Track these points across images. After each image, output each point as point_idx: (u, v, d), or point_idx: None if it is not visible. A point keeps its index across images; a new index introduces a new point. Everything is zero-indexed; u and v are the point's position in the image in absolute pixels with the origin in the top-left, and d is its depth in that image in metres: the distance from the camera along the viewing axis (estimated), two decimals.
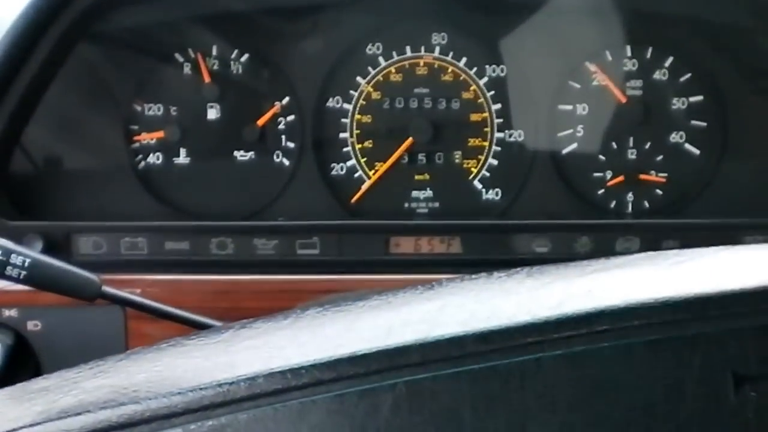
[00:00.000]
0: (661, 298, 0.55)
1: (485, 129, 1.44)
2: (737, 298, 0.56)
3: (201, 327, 1.02)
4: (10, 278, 0.96)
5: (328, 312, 0.63)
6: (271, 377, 0.54)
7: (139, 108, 1.46)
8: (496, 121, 1.44)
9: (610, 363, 0.54)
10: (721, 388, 0.54)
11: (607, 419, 0.54)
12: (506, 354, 0.54)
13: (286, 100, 1.45)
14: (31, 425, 0.54)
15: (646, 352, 0.54)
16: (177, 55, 1.46)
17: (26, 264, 0.95)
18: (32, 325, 1.32)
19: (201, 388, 0.54)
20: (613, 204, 1.44)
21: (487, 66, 1.44)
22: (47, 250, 1.35)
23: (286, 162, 1.46)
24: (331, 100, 1.46)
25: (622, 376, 0.54)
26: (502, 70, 1.44)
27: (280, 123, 1.46)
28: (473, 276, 0.65)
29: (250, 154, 1.46)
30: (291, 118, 1.46)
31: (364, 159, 1.46)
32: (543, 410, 0.54)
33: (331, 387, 0.54)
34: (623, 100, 1.42)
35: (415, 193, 1.46)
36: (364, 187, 1.46)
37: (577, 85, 1.44)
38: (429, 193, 1.46)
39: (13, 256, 0.95)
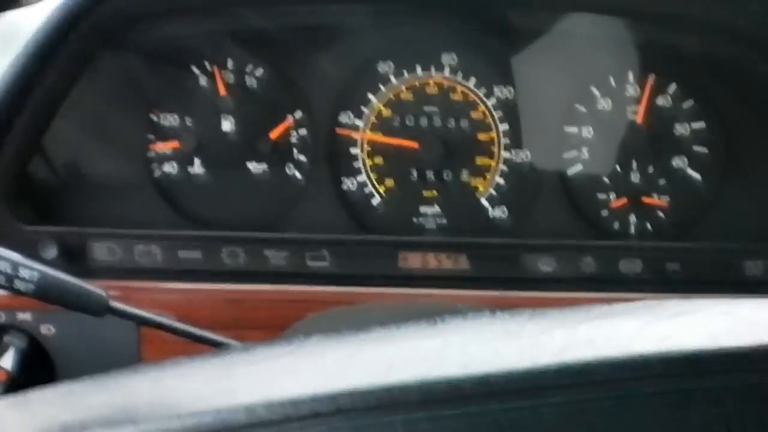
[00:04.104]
0: (660, 351, 0.56)
1: (493, 148, 1.47)
2: (734, 356, 0.56)
3: (208, 342, 1.04)
4: (18, 292, 0.95)
5: (331, 341, 0.64)
6: (270, 407, 0.54)
7: (155, 118, 1.49)
8: (503, 140, 1.46)
9: (607, 412, 0.55)
10: None
11: None
12: (505, 398, 0.55)
13: (299, 114, 1.48)
14: None
15: (643, 404, 0.55)
16: (194, 68, 1.48)
17: (34, 278, 0.94)
18: (46, 329, 1.35)
19: (200, 414, 0.54)
20: (616, 225, 1.46)
21: (495, 87, 1.46)
22: (62, 256, 1.38)
23: (299, 175, 1.49)
24: (343, 115, 1.48)
25: (618, 425, 0.55)
26: (510, 92, 1.46)
27: (292, 137, 1.49)
28: (476, 314, 0.66)
29: (264, 166, 1.49)
30: (303, 132, 1.48)
31: (375, 175, 1.48)
32: None
33: (329, 420, 0.54)
34: (628, 124, 1.44)
35: (423, 209, 1.48)
36: (375, 202, 1.49)
37: (584, 109, 1.45)
38: (437, 209, 1.48)
39: (21, 269, 0.94)
